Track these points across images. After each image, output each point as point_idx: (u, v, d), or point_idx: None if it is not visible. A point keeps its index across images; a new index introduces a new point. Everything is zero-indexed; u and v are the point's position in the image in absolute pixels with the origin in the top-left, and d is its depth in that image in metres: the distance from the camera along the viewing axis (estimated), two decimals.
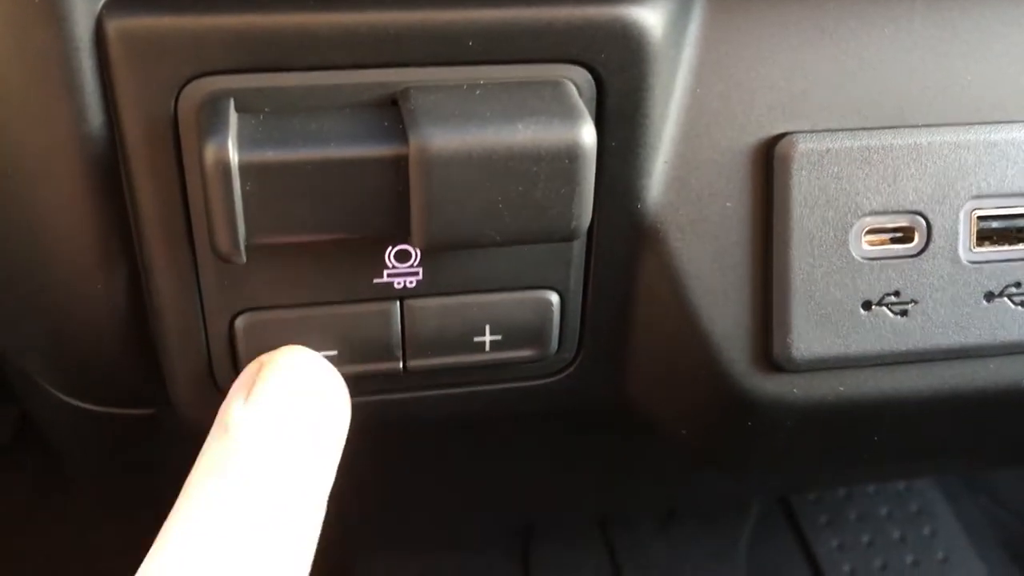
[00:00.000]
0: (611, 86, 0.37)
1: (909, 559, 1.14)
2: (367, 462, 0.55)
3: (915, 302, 0.42)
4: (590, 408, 0.44)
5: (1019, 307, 0.43)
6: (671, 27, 0.38)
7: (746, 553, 1.12)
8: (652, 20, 0.37)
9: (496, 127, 0.34)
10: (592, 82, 0.37)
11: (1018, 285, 0.43)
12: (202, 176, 0.32)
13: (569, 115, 0.35)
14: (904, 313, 0.42)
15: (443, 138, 0.33)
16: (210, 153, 0.31)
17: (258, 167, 0.32)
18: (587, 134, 0.34)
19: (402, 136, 0.33)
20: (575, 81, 0.36)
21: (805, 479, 0.88)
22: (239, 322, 0.38)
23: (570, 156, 0.34)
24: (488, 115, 0.34)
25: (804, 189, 0.40)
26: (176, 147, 0.34)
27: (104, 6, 0.33)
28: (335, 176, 0.33)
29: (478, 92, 0.35)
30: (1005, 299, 0.43)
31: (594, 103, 0.37)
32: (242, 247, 0.33)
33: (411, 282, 0.39)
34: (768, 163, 0.40)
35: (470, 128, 0.33)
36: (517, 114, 0.34)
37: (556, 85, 0.36)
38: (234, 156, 0.31)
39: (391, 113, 0.34)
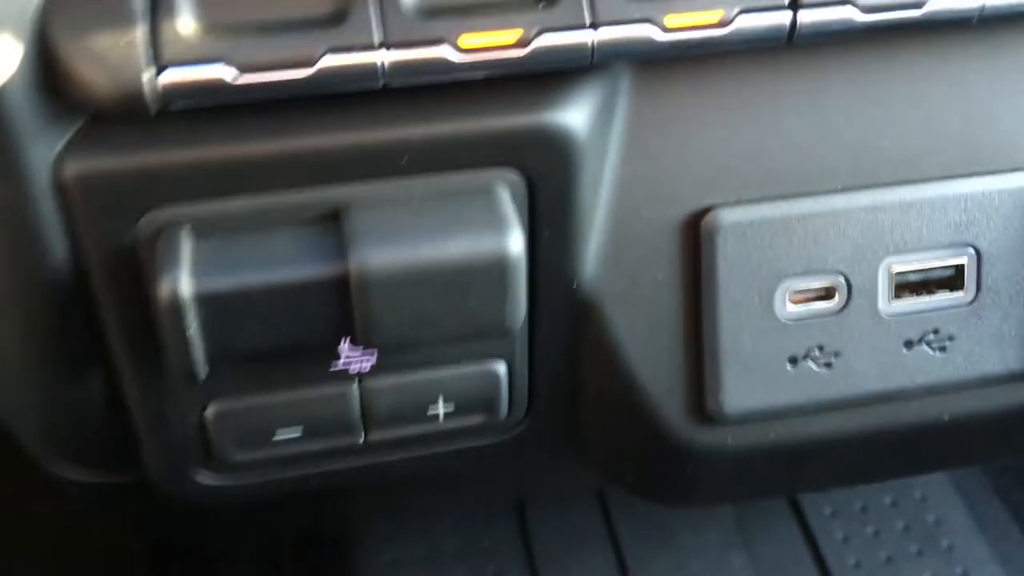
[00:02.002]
0: (542, 185, 0.40)
1: (914, 549, 1.16)
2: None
3: (839, 355, 0.45)
4: (543, 458, 0.48)
5: (937, 352, 0.46)
6: (596, 124, 0.41)
7: (750, 546, 1.15)
8: (576, 122, 0.40)
9: (430, 243, 0.37)
10: (524, 182, 0.40)
11: (936, 332, 0.46)
12: (157, 309, 0.35)
13: (498, 226, 0.38)
14: (829, 365, 0.45)
15: (380, 258, 0.37)
16: (163, 290, 0.35)
17: (211, 297, 0.36)
18: (514, 244, 0.38)
19: (342, 256, 0.37)
20: (509, 183, 0.40)
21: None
22: (209, 411, 0.42)
23: (499, 266, 0.38)
24: (422, 232, 0.37)
25: (729, 258, 0.44)
26: (139, 272, 0.37)
27: (60, 152, 0.36)
28: (284, 296, 0.36)
29: (414, 206, 0.38)
30: (924, 346, 0.46)
31: (527, 201, 0.41)
32: (199, 368, 0.37)
33: (366, 365, 0.42)
34: (695, 236, 0.43)
35: (405, 246, 0.37)
36: (450, 228, 0.38)
37: (488, 192, 0.39)
38: (186, 290, 0.35)
39: (334, 230, 0.38)
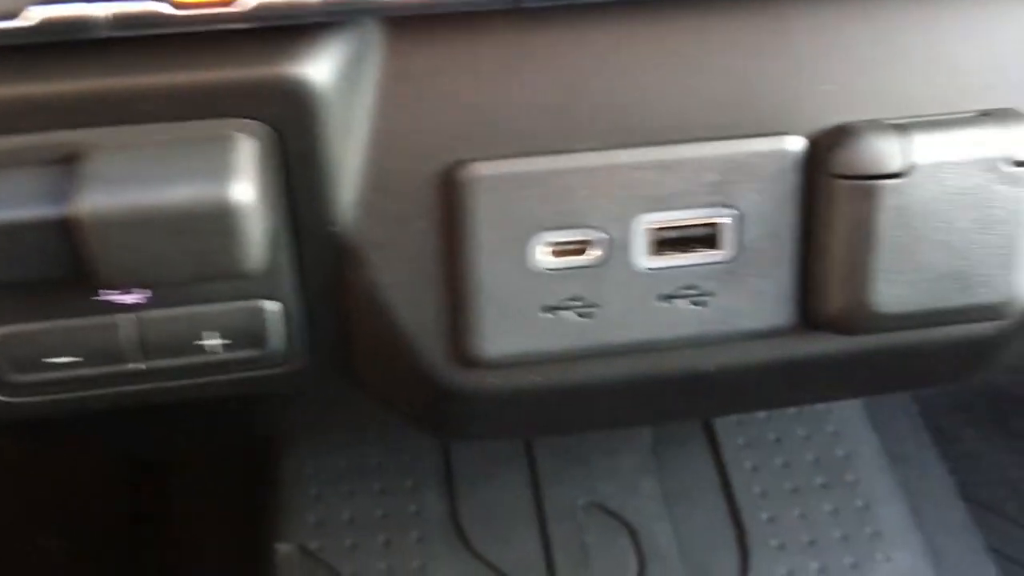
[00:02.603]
0: (289, 135, 0.42)
1: (820, 481, 1.20)
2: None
3: (596, 306, 0.47)
4: (331, 388, 0.50)
5: (694, 307, 0.48)
6: (343, 77, 0.42)
7: (662, 472, 1.19)
8: (319, 75, 0.41)
9: (157, 189, 0.39)
10: (272, 132, 0.42)
11: (694, 288, 0.47)
12: None
13: (225, 175, 0.40)
14: (586, 316, 0.47)
15: (107, 201, 0.39)
16: None
17: None
18: (239, 192, 0.40)
19: (73, 199, 0.39)
20: (256, 132, 0.42)
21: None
22: None
23: (224, 213, 0.40)
24: (151, 178, 0.40)
25: (484, 210, 0.45)
26: None
27: None
28: (19, 234, 0.39)
29: (149, 153, 0.40)
30: (680, 300, 0.48)
31: (276, 150, 0.42)
32: None
33: (134, 299, 0.45)
34: (451, 187, 0.45)
35: (131, 191, 0.39)
36: (177, 176, 0.40)
37: (225, 142, 0.41)
38: None
39: (69, 173, 0.40)
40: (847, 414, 1.25)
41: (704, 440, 1.24)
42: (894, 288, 0.47)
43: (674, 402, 0.51)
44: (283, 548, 1.12)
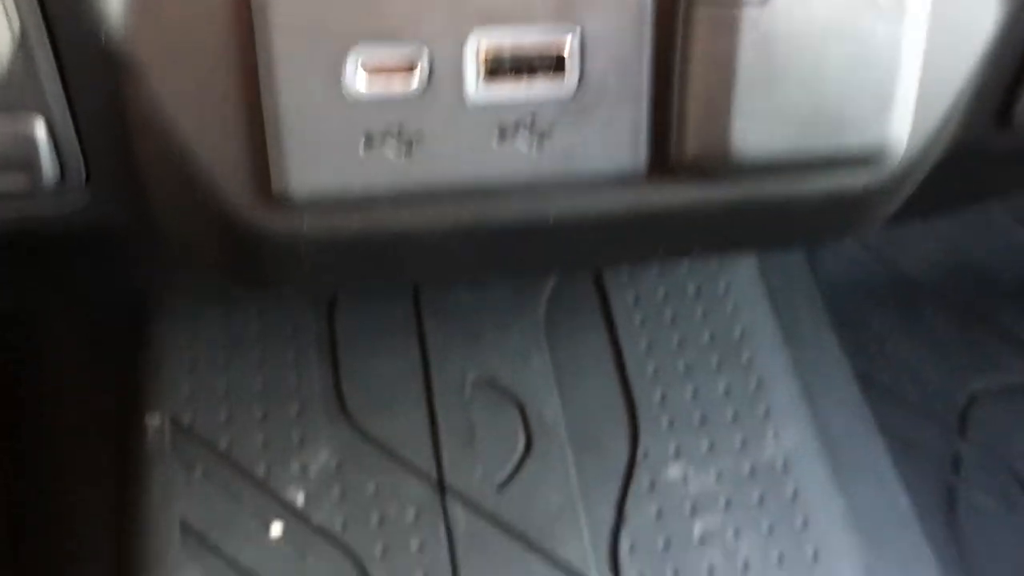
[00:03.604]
0: None
1: (714, 360, 1.18)
2: None
3: (420, 140, 0.41)
4: (117, 230, 0.44)
5: (535, 145, 0.42)
6: None
7: (554, 350, 1.16)
8: None
9: None
10: None
11: (529, 122, 0.42)
12: None
13: None
14: (408, 151, 0.41)
15: None
16: None
17: None
18: None
19: None
20: None
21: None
22: None
23: None
24: None
25: (285, 19, 0.38)
26: None
27: None
28: None
29: None
30: (515, 137, 0.42)
31: None
32: None
33: None
34: None
35: None
36: None
37: None
38: None
39: None
40: (747, 293, 1.23)
41: (600, 317, 1.21)
42: (756, 128, 0.42)
43: (509, 253, 0.46)
44: (153, 421, 1.07)
